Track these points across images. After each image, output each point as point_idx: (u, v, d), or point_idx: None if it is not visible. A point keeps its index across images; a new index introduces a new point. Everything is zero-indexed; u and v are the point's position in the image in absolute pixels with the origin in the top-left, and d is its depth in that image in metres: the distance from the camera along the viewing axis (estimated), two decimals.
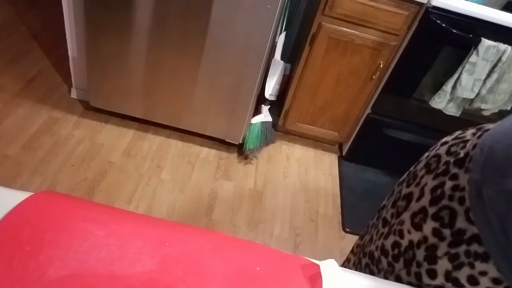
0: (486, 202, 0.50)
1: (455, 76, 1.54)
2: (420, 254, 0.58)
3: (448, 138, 0.65)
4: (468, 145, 0.58)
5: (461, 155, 0.58)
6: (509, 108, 1.65)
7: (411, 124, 1.86)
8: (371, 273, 0.70)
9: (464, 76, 1.52)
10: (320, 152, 2.13)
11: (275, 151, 2.05)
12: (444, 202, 0.56)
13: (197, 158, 1.89)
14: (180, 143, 1.93)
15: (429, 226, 0.57)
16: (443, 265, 0.55)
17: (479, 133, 0.58)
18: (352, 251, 0.88)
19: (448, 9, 1.49)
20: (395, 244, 0.64)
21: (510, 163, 0.49)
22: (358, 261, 0.78)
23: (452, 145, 0.62)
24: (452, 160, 0.59)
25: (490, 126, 0.58)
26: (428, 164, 0.64)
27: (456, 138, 0.63)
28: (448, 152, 0.61)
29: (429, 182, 0.61)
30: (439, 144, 0.67)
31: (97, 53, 1.65)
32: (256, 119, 1.88)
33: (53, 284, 0.43)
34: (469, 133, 0.61)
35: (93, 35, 1.60)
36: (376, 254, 0.69)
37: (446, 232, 0.55)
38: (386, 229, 0.69)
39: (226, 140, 1.93)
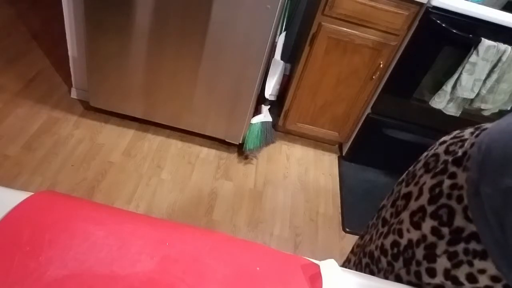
0: (484, 200, 0.50)
1: (455, 76, 1.54)
2: (419, 252, 0.58)
3: (446, 138, 0.65)
4: (466, 144, 0.58)
5: (459, 154, 0.58)
6: (509, 108, 1.65)
7: (411, 124, 1.86)
8: (371, 272, 0.71)
9: (464, 76, 1.52)
10: (320, 152, 2.13)
11: (275, 151, 2.05)
12: (443, 200, 0.56)
13: (197, 158, 1.89)
14: (180, 143, 1.93)
15: (428, 225, 0.57)
16: (442, 263, 0.55)
17: (477, 132, 0.58)
18: (352, 251, 0.88)
19: (448, 9, 1.49)
20: (395, 243, 0.64)
21: (507, 161, 0.49)
22: (358, 261, 0.78)
23: (451, 144, 0.62)
24: (450, 159, 0.59)
25: (488, 125, 0.59)
26: (427, 164, 0.65)
27: (455, 137, 0.63)
28: (447, 151, 0.62)
29: (428, 181, 0.61)
30: (437, 143, 0.67)
31: (97, 53, 1.65)
32: (256, 119, 1.88)
33: (53, 284, 0.43)
34: (467, 132, 0.62)
35: (93, 35, 1.60)
36: (376, 253, 0.69)
37: (445, 230, 0.55)
38: (385, 229, 0.69)
39: (226, 140, 1.93)
